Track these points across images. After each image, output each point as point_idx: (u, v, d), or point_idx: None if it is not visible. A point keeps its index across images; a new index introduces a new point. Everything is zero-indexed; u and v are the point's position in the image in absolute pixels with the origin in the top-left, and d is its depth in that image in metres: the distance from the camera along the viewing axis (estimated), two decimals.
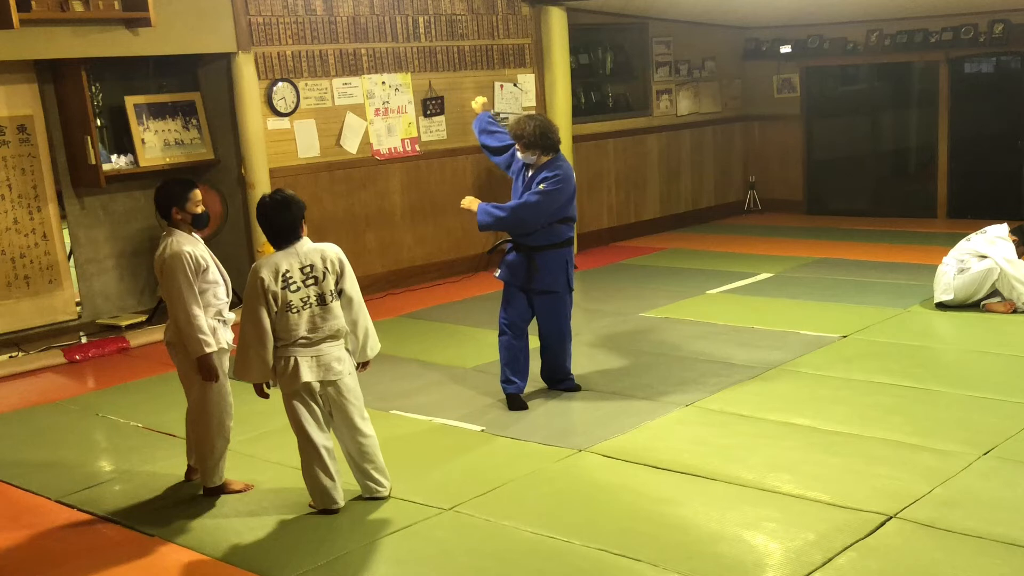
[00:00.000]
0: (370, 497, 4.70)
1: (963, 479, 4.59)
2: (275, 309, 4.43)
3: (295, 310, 4.45)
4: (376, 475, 4.71)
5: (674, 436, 5.34)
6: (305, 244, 4.55)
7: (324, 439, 4.58)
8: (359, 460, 4.67)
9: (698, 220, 12.45)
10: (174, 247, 4.69)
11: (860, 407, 5.61)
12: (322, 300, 4.50)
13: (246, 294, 4.46)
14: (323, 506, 4.60)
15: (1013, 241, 7.49)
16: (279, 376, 4.52)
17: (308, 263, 4.49)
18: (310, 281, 4.48)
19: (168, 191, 4.82)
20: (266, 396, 4.63)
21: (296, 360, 4.47)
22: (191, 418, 4.93)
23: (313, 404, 4.55)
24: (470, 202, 5.88)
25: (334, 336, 4.55)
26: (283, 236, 4.52)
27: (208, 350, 4.67)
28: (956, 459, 4.80)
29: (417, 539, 4.32)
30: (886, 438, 5.12)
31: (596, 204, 11.26)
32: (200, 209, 4.84)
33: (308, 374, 4.48)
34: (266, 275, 4.41)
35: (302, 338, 4.47)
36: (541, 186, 5.68)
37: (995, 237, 7.48)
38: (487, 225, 5.82)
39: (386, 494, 4.73)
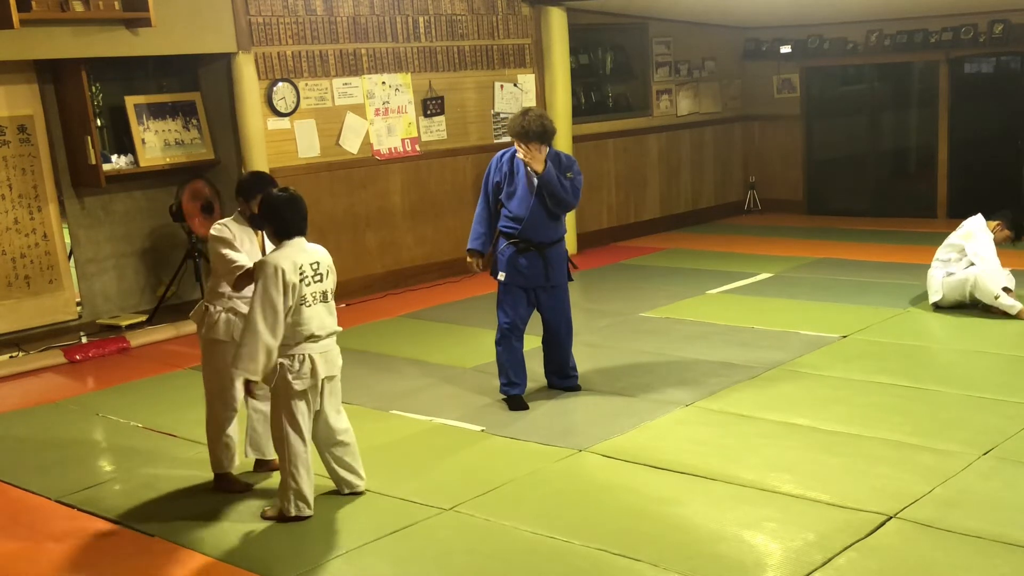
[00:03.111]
0: (349, 492, 4.72)
1: (963, 479, 4.59)
2: (290, 303, 4.37)
3: (309, 304, 4.43)
4: (358, 468, 4.74)
5: (674, 436, 5.34)
6: (305, 242, 4.54)
7: (307, 442, 4.56)
8: (341, 454, 4.67)
9: (698, 220, 12.45)
10: (216, 227, 4.74)
11: (860, 407, 5.61)
12: (325, 297, 4.52)
13: (263, 285, 4.33)
14: (299, 513, 4.50)
15: (995, 227, 7.44)
16: (295, 375, 4.43)
17: (315, 260, 4.50)
18: (317, 277, 4.48)
19: (247, 181, 4.88)
20: (255, 397, 4.59)
21: (311, 356, 4.45)
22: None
23: (311, 404, 4.52)
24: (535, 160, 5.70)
25: (334, 332, 4.56)
26: (294, 230, 4.48)
27: (245, 262, 4.67)
28: (956, 459, 4.80)
29: (417, 539, 4.32)
30: (886, 438, 5.12)
31: (596, 204, 11.25)
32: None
33: (323, 370, 4.49)
34: (287, 266, 4.35)
35: (312, 335, 4.45)
36: (568, 175, 5.76)
37: (969, 231, 7.41)
38: (552, 185, 5.66)
39: (363, 488, 4.75)
